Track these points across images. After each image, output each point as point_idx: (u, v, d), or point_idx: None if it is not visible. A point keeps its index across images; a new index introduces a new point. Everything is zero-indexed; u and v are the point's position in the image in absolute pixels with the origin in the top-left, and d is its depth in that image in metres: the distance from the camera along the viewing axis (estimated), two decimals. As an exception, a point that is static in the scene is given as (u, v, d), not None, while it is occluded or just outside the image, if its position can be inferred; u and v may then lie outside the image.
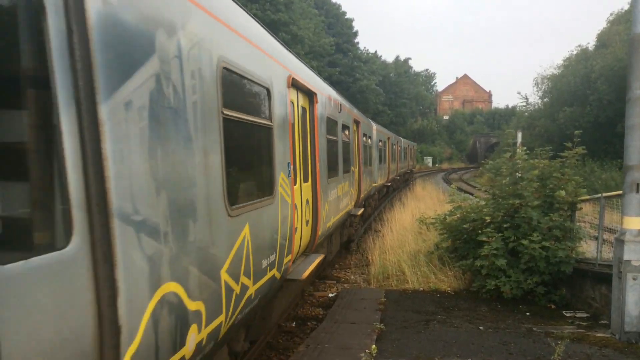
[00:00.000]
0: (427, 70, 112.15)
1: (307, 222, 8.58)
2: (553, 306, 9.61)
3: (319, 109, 9.40)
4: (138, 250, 3.13)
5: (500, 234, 9.97)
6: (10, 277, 2.26)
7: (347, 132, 13.67)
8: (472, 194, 21.35)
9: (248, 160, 5.80)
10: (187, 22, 3.92)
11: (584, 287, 9.38)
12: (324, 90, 10.31)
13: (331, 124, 11.07)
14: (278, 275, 6.55)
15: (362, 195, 16.48)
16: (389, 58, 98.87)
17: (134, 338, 3.04)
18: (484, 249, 9.80)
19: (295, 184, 7.63)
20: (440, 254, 11.73)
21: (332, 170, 10.98)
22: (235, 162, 5.04)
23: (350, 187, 14.09)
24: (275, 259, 6.30)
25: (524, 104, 48.40)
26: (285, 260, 6.88)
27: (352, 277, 13.09)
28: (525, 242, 9.46)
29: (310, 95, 8.92)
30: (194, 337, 3.89)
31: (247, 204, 5.25)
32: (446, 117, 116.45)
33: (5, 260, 2.25)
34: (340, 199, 12.18)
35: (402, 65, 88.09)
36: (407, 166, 46.14)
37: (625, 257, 7.23)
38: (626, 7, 42.45)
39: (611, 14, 45.84)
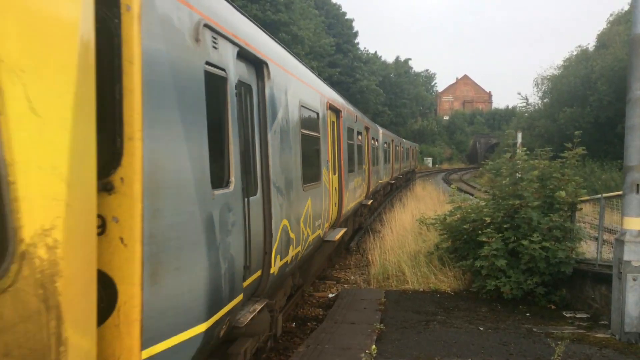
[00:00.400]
0: (427, 70, 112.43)
1: (335, 204, 11.52)
2: (553, 307, 9.61)
3: (343, 122, 12.59)
4: (278, 198, 6.24)
5: (500, 235, 9.97)
6: (225, 195, 4.57)
7: (360, 137, 16.65)
8: (472, 195, 21.34)
9: (310, 159, 8.71)
10: (290, 85, 7.26)
11: (584, 287, 9.38)
12: (346, 107, 13.77)
13: (350, 132, 14.16)
14: (321, 234, 9.64)
15: (371, 189, 19.35)
16: (389, 58, 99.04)
17: (275, 242, 6.09)
18: (484, 249, 9.80)
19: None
20: (440, 255, 11.72)
21: (350, 167, 14.08)
22: (304, 160, 7.95)
23: (362, 181, 17.01)
24: (320, 223, 9.40)
25: (524, 104, 48.43)
26: (325, 225, 10.03)
27: (352, 277, 13.09)
28: (525, 242, 9.46)
29: (337, 112, 12.00)
30: (291, 251, 7.03)
31: (309, 184, 8.27)
32: (446, 118, 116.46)
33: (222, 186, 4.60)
34: (355, 190, 15.07)
35: (402, 66, 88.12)
36: (409, 166, 48.84)
37: (625, 257, 7.23)
38: (626, 7, 42.50)
39: (611, 15, 45.85)
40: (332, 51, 52.95)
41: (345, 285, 12.12)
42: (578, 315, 8.98)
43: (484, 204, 11.33)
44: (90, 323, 2.80)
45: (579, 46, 45.79)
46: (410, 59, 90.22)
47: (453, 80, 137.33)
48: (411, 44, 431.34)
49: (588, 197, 10.29)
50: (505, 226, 10.09)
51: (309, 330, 8.95)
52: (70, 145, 2.52)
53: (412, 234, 14.64)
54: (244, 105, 5.39)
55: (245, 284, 5.14)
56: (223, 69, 4.62)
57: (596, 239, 9.51)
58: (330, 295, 11.05)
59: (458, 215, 11.42)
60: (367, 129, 18.40)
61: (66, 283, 2.48)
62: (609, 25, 45.37)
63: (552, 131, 38.17)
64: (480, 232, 10.23)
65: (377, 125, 25.45)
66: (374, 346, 7.12)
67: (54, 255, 2.40)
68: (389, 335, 7.74)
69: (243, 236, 5.00)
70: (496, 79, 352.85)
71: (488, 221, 10.32)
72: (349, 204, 13.47)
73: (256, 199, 5.58)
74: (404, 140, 45.58)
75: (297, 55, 9.24)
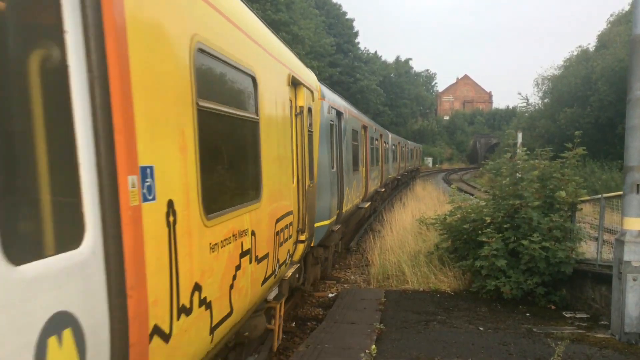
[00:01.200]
0: (427, 70, 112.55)
1: (363, 186, 17.49)
2: (553, 307, 9.61)
3: (368, 134, 19.12)
4: (345, 177, 12.83)
5: (500, 235, 9.97)
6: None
7: (376, 142, 23.04)
8: (472, 195, 21.34)
9: (355, 157, 14.50)
10: (350, 121, 13.81)
11: (584, 287, 9.37)
12: (369, 124, 20.14)
13: (371, 139, 20.50)
14: (358, 202, 14.72)
15: (383, 181, 25.70)
16: (390, 58, 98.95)
17: (344, 198, 12.70)
18: (484, 249, 9.80)
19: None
20: (440, 255, 11.72)
21: (371, 164, 20.04)
22: (353, 158, 13.20)
23: (378, 173, 23.51)
24: (357, 195, 15.39)
25: (525, 104, 48.41)
26: (359, 197, 15.94)
27: (352, 277, 13.09)
28: (525, 242, 9.45)
29: (365, 128, 18.39)
30: (348, 205, 13.36)
31: (354, 172, 14.02)
32: (446, 118, 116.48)
33: None
34: (374, 180, 21.22)
35: (402, 66, 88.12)
36: (414, 164, 56.35)
37: (626, 257, 7.23)
38: (627, 7, 42.47)
39: (611, 15, 45.83)
40: (333, 51, 52.96)
41: (345, 285, 12.12)
42: (578, 316, 8.98)
43: (484, 204, 11.33)
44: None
45: (580, 46, 45.83)
46: (410, 58, 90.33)
47: (453, 80, 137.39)
48: (411, 44, 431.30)
49: (588, 198, 10.28)
50: (505, 226, 10.09)
51: (309, 330, 8.95)
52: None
53: (412, 233, 14.64)
54: (334, 132, 11.82)
55: (334, 214, 11.24)
56: (332, 120, 11.45)
57: (596, 239, 9.50)
58: (330, 295, 11.05)
59: (458, 215, 11.41)
60: (381, 135, 25.10)
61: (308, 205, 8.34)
62: (609, 25, 45.35)
63: (552, 131, 38.16)
64: (480, 232, 10.23)
65: (388, 132, 31.84)
66: (373, 346, 7.13)
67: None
68: (389, 335, 7.74)
69: (337, 191, 11.82)
70: (496, 79, 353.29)
71: (488, 221, 10.31)
72: (370, 188, 19.58)
73: (339, 176, 12.30)
74: (409, 142, 53.09)
75: (340, 95, 14.35)
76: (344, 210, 12.63)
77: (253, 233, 5.19)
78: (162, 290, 3.22)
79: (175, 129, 3.50)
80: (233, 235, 4.57)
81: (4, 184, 2.24)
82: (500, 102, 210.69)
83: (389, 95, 74.28)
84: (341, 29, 60.76)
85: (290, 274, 7.40)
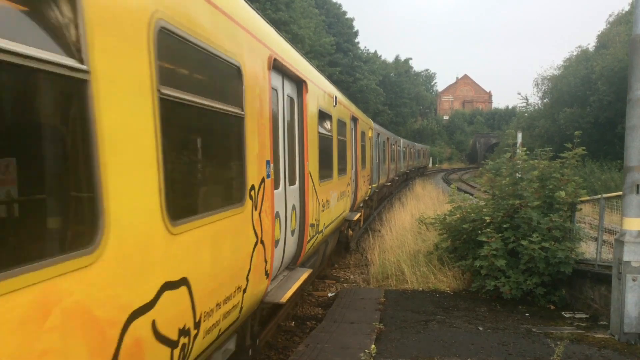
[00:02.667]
0: (427, 70, 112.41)
1: (386, 174, 27.51)
2: (552, 307, 9.62)
3: (390, 142, 28.83)
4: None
5: (500, 235, 9.97)
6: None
7: (393, 146, 31.95)
8: (472, 194, 21.35)
9: (387, 157, 27.34)
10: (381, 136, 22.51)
11: (583, 287, 9.38)
12: (390, 134, 30.72)
13: (392, 145, 30.33)
14: (376, 187, 21.17)
15: (397, 172, 35.79)
16: (389, 58, 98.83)
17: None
18: (484, 249, 9.80)
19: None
20: (440, 254, 11.72)
21: (392, 161, 30.53)
22: (384, 158, 25.16)
23: (394, 167, 33.85)
24: (384, 180, 27.06)
25: (524, 104, 48.38)
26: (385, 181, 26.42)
27: (352, 276, 13.09)
28: (525, 242, 9.46)
29: (388, 138, 27.43)
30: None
31: (382, 165, 25.00)
32: (446, 117, 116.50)
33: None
34: (392, 170, 30.49)
35: (402, 65, 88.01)
36: (421, 163, 65.65)
37: (625, 258, 7.23)
38: (627, 7, 42.50)
39: (611, 15, 45.85)
40: (333, 50, 52.92)
41: (345, 285, 12.12)
42: (577, 316, 8.98)
43: (483, 203, 11.33)
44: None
45: (579, 46, 45.90)
46: (410, 58, 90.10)
47: (453, 80, 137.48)
48: (411, 43, 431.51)
49: (588, 198, 10.28)
50: (505, 226, 10.10)
51: (308, 330, 8.95)
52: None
53: (411, 233, 14.65)
54: (376, 144, 22.64)
55: (375, 184, 21.56)
56: (376, 138, 22.92)
57: (596, 239, 9.50)
58: (329, 295, 11.05)
59: (458, 215, 11.41)
60: (396, 141, 35.28)
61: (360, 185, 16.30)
62: (609, 25, 45.39)
63: (552, 131, 38.17)
64: (480, 231, 10.23)
65: (400, 138, 41.13)
66: (373, 345, 7.12)
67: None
68: (388, 334, 7.74)
69: (376, 173, 22.42)
70: (496, 79, 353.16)
71: (488, 221, 10.31)
72: (390, 175, 30.35)
73: (378, 166, 23.50)
74: (417, 144, 62.62)
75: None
76: (380, 182, 25.02)
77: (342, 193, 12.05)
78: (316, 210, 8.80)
79: None
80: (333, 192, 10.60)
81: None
82: (500, 102, 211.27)
83: (388, 95, 74.23)
84: (341, 28, 60.71)
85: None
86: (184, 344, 3.74)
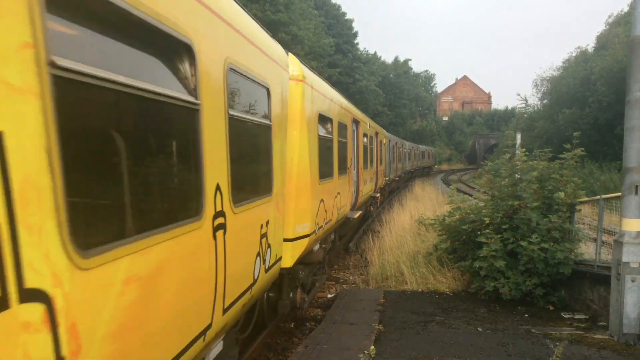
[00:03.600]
0: (426, 71, 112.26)
1: (394, 171, 33.15)
2: (552, 307, 9.62)
3: (397, 146, 35.13)
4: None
5: (499, 235, 9.97)
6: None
7: (400, 149, 37.31)
8: (471, 195, 21.37)
9: (392, 157, 31.12)
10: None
11: (582, 288, 9.38)
12: (398, 139, 37.46)
13: (399, 148, 36.39)
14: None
15: (397, 173, 36.55)
16: (389, 59, 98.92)
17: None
18: (483, 250, 9.80)
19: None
20: (439, 255, 11.73)
21: (399, 161, 36.36)
22: (391, 157, 29.02)
23: (401, 166, 38.70)
24: (395, 174, 33.12)
25: (524, 105, 48.37)
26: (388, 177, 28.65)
27: (351, 277, 13.09)
28: (524, 243, 9.47)
29: (396, 143, 34.05)
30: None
31: (393, 164, 31.06)
32: (445, 118, 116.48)
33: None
34: (399, 169, 37.07)
35: (401, 66, 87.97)
36: (425, 163, 70.71)
37: (624, 258, 7.24)
38: (626, 9, 42.55)
39: (610, 16, 45.90)
40: (332, 51, 52.89)
41: (344, 286, 12.12)
42: (577, 317, 8.99)
43: (483, 204, 11.33)
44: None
45: (578, 47, 45.76)
46: (409, 59, 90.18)
47: (452, 81, 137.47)
48: (410, 44, 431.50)
49: (587, 199, 10.30)
50: (504, 227, 10.10)
51: (307, 331, 8.95)
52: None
53: (411, 234, 14.65)
54: (389, 148, 29.54)
55: (389, 176, 27.81)
56: (391, 144, 30.34)
57: (595, 240, 9.51)
58: (329, 296, 11.05)
59: (457, 216, 11.42)
60: (403, 145, 41.19)
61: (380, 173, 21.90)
62: (608, 26, 45.41)
63: (551, 132, 38.18)
64: (479, 232, 10.24)
65: (404, 141, 47.06)
66: (372, 346, 7.13)
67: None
68: (387, 335, 7.74)
69: (391, 169, 30.03)
70: (496, 80, 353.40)
71: (487, 222, 10.32)
72: (397, 172, 35.19)
73: (390, 165, 29.96)
74: (420, 146, 67.70)
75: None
76: (390, 177, 29.99)
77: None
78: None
79: None
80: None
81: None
82: (500, 102, 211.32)
83: (388, 96, 74.18)
84: (340, 30, 60.68)
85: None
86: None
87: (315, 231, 8.37)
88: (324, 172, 9.33)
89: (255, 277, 5.74)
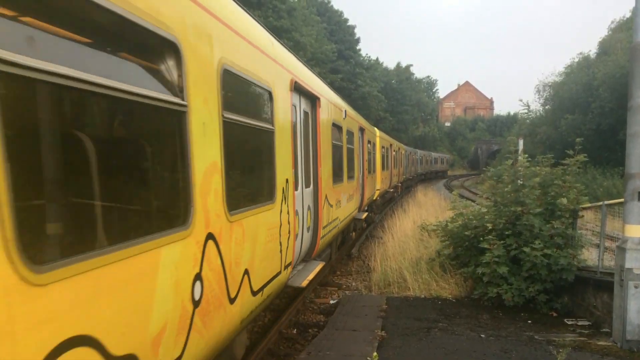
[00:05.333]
0: (428, 77, 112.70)
1: (403, 174, 40.08)
2: (555, 314, 9.59)
3: (411, 154, 47.11)
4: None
5: (501, 241, 9.96)
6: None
7: (411, 156, 47.58)
8: (473, 201, 21.35)
9: (395, 164, 33.95)
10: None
11: (585, 295, 9.36)
12: (412, 149, 51.23)
13: (412, 155, 48.49)
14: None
15: (406, 176, 41.68)
16: (391, 64, 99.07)
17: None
18: (486, 256, 9.79)
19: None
20: (442, 261, 11.71)
21: (412, 166, 49.01)
22: (397, 164, 34.15)
23: (414, 169, 51.05)
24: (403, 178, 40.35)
25: (526, 111, 48.06)
26: (393, 181, 34.11)
27: (354, 283, 13.07)
28: (527, 249, 9.45)
29: (410, 152, 45.29)
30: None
31: (407, 169, 41.53)
32: (448, 124, 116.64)
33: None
34: (410, 173, 46.06)
35: (403, 72, 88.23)
36: (438, 168, 79.16)
37: (627, 265, 7.22)
38: (628, 14, 42.60)
39: (612, 22, 45.94)
40: (334, 57, 53.10)
41: (347, 292, 12.10)
42: (580, 323, 8.95)
43: (485, 210, 11.32)
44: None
45: (581, 53, 45.89)
46: (411, 65, 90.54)
47: (454, 87, 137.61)
48: (412, 50, 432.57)
49: (589, 204, 10.28)
50: (507, 233, 10.08)
51: (310, 337, 8.93)
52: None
53: (413, 240, 14.63)
54: (407, 156, 42.70)
55: (398, 181, 34.49)
56: (406, 154, 41.45)
57: (598, 246, 9.49)
58: (331, 302, 11.04)
59: (460, 222, 11.41)
60: (415, 152, 49.08)
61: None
62: (610, 32, 45.51)
63: (553, 138, 38.17)
64: (482, 238, 10.22)
65: (417, 150, 58.31)
66: (375, 353, 7.11)
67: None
68: (390, 342, 7.72)
69: (404, 174, 40.27)
70: (498, 86, 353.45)
71: (490, 228, 10.31)
72: (408, 174, 43.61)
73: (407, 169, 42.71)
74: (433, 153, 77.35)
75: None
76: (406, 176, 41.75)
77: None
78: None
79: None
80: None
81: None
82: (502, 108, 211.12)
83: (390, 102, 74.33)
84: (343, 36, 60.92)
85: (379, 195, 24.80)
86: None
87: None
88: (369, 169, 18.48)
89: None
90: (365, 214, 18.24)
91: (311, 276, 8.19)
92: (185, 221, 3.87)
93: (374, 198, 22.64)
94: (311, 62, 42.91)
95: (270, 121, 6.25)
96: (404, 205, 24.89)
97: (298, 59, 8.41)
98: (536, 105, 47.19)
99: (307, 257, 9.38)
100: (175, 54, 3.73)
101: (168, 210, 3.88)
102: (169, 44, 3.64)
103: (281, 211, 6.65)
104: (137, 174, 3.59)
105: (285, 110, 6.92)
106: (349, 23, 63.60)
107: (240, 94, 5.48)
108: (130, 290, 3.11)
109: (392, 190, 31.14)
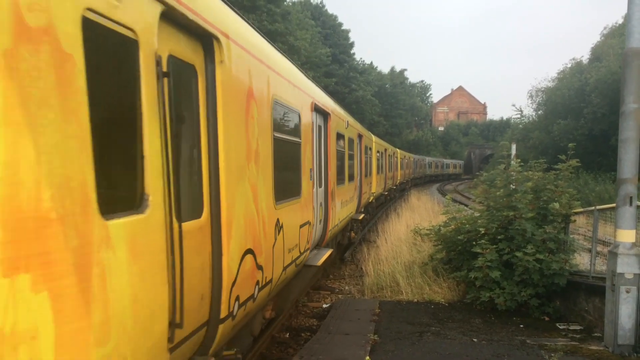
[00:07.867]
0: (422, 81, 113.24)
1: (409, 176, 50.54)
2: (547, 318, 9.61)
3: (417, 160, 61.03)
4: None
5: (494, 246, 9.98)
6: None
7: (423, 162, 67.29)
8: (466, 205, 21.41)
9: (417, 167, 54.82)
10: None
11: (577, 299, 9.39)
12: (419, 157, 65.97)
13: (420, 161, 64.68)
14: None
15: (406, 178, 46.92)
16: (385, 69, 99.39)
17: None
18: (478, 260, 9.81)
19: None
20: (435, 265, 11.72)
21: (421, 169, 66.53)
22: (403, 167, 43.12)
23: (421, 172, 67.22)
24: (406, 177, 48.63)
25: (519, 116, 48.48)
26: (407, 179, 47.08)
27: (347, 287, 13.06)
28: (519, 254, 9.47)
29: (417, 159, 58.85)
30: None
31: (412, 171, 52.89)
32: (441, 128, 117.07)
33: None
34: (415, 174, 59.55)
35: (397, 76, 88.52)
36: (434, 171, 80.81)
37: (619, 269, 7.25)
38: (620, 21, 42.97)
39: (605, 28, 46.30)
40: (328, 61, 53.25)
41: (340, 296, 12.09)
42: (571, 327, 8.98)
43: (478, 214, 11.35)
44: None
45: (573, 59, 46.02)
46: (405, 69, 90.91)
47: (448, 92, 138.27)
48: (406, 54, 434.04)
49: (582, 209, 10.33)
50: (499, 237, 10.11)
51: (302, 341, 8.90)
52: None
53: (406, 244, 14.63)
54: (413, 161, 56.65)
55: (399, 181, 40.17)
56: (407, 158, 48.83)
57: (590, 250, 9.53)
58: (324, 306, 11.02)
59: (452, 226, 11.43)
60: (425, 159, 66.58)
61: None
62: (603, 38, 45.84)
63: (546, 143, 38.35)
64: (474, 243, 10.24)
65: (425, 157, 68.02)
66: (368, 357, 7.10)
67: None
68: (383, 346, 7.72)
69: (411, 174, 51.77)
70: (491, 91, 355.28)
71: (482, 232, 10.33)
72: (418, 175, 61.12)
73: (414, 172, 56.29)
74: (444, 159, 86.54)
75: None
76: (414, 176, 55.95)
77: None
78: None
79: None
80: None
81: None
82: (495, 113, 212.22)
83: (384, 106, 74.55)
84: (337, 40, 61.10)
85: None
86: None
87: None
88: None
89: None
90: (362, 215, 18.49)
91: (324, 258, 9.94)
92: (299, 193, 7.91)
93: (370, 200, 22.87)
94: (305, 65, 42.96)
95: (299, 135, 8.17)
96: (397, 209, 24.91)
97: (316, 85, 10.65)
98: (529, 111, 47.47)
99: (317, 246, 10.90)
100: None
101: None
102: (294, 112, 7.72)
103: (305, 205, 8.54)
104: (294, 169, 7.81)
105: (307, 126, 8.75)
106: (343, 27, 63.88)
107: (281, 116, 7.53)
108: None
109: (386, 193, 31.77)
